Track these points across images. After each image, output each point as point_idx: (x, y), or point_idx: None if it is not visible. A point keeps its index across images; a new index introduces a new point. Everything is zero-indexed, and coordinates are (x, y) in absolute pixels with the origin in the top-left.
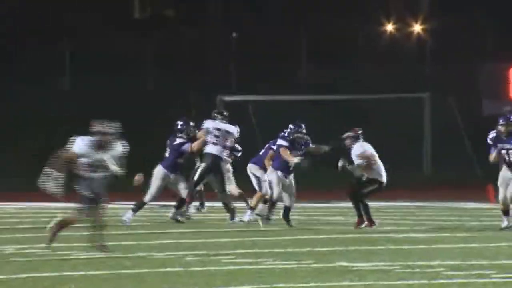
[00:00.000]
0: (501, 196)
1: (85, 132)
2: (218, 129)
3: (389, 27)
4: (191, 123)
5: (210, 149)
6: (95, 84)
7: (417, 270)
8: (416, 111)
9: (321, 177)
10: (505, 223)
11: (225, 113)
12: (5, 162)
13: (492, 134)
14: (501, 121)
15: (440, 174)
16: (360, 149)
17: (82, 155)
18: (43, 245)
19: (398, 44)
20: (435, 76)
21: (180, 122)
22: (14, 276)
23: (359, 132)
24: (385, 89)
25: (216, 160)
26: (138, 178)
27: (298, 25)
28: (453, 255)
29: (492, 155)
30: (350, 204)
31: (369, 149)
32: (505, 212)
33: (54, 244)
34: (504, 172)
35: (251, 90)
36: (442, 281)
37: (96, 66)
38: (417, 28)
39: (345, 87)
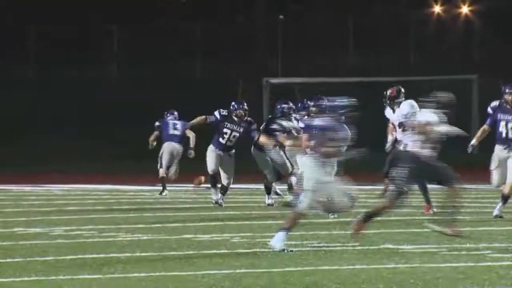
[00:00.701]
0: (496, 180)
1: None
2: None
3: (437, 9)
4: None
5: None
6: (142, 72)
7: (463, 252)
8: (464, 93)
9: (365, 159)
10: (496, 212)
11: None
12: (48, 146)
13: (495, 103)
14: (508, 89)
15: (488, 157)
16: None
17: (433, 124)
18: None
19: (446, 25)
20: (483, 58)
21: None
22: (62, 257)
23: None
24: (433, 72)
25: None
26: (198, 181)
27: (344, 7)
28: (499, 237)
29: (485, 126)
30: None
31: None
32: (506, 198)
33: (101, 226)
34: (498, 151)
35: (297, 73)
36: (488, 263)
37: (142, 52)
38: (465, 9)
39: (391, 70)
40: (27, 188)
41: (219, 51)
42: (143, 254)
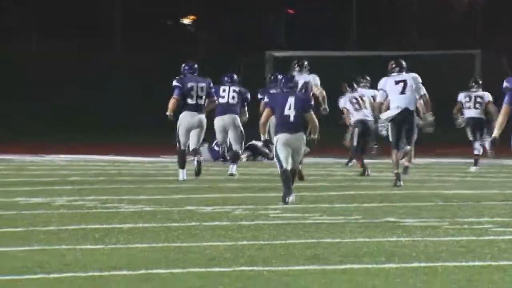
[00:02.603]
0: None
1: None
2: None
3: None
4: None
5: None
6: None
7: (466, 226)
8: (468, 69)
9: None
10: None
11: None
12: (50, 115)
13: None
14: None
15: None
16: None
17: None
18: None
19: (450, 3)
20: (487, 37)
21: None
22: (64, 227)
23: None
24: (435, 46)
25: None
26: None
27: None
28: (502, 212)
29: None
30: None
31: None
32: None
33: (103, 197)
34: None
35: (300, 46)
36: (490, 237)
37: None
38: None
39: (395, 45)
40: (28, 158)
41: (221, 27)
42: (145, 225)
